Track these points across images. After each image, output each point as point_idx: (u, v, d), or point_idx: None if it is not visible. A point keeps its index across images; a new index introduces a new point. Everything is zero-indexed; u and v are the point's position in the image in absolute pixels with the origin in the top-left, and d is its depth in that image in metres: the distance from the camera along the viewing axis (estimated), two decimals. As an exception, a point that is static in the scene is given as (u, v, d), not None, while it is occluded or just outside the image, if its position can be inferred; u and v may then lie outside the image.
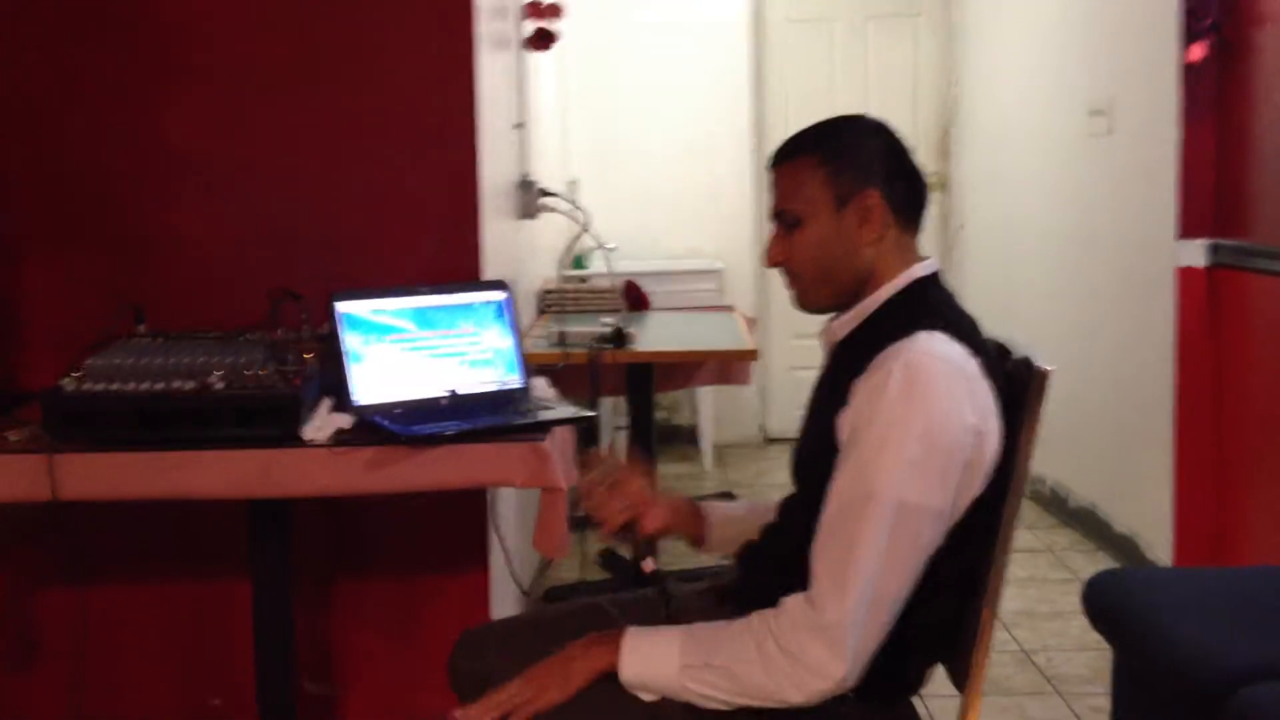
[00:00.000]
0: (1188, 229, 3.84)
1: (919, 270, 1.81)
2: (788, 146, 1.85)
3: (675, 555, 3.05)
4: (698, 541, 2.03)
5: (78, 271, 2.79)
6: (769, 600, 1.68)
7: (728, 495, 5.32)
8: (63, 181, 2.79)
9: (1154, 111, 3.99)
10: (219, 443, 2.19)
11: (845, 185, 1.78)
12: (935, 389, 1.64)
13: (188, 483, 2.19)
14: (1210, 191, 3.81)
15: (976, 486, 1.70)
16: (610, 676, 1.72)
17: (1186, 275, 3.84)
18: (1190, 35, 3.77)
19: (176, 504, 2.37)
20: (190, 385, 2.20)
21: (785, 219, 1.82)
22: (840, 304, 1.85)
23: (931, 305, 1.77)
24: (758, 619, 1.67)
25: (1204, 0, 3.74)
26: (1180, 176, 3.84)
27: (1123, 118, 4.31)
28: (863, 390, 1.67)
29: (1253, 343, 3.67)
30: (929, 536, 1.66)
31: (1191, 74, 3.79)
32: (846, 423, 1.69)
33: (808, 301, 1.86)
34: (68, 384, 2.20)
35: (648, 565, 1.91)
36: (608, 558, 4.47)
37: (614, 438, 5.88)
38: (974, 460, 1.68)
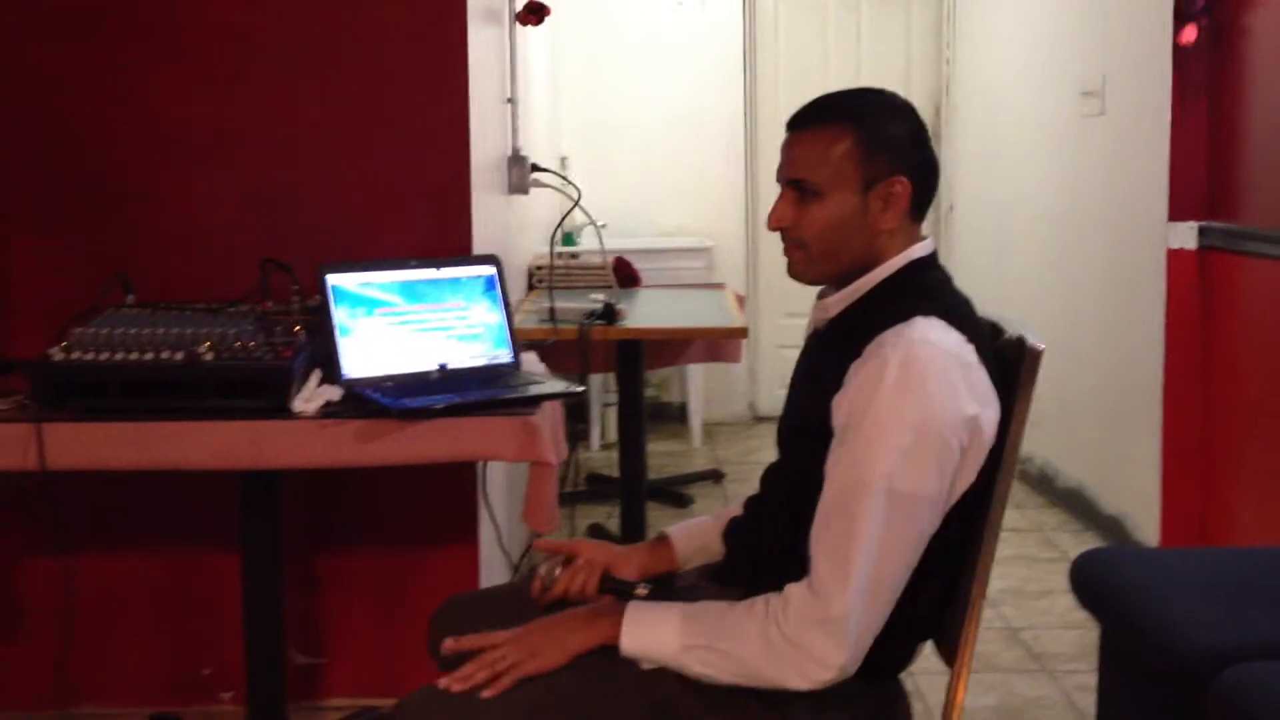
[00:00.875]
0: (1178, 211, 3.84)
1: (917, 251, 1.78)
2: (818, 111, 1.77)
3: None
4: (674, 568, 2.03)
5: (67, 242, 2.78)
6: (755, 573, 1.68)
7: (716, 474, 5.33)
8: (54, 152, 2.77)
9: (1146, 93, 3.99)
10: (207, 414, 2.19)
11: (877, 168, 1.72)
12: (932, 378, 1.62)
13: (176, 454, 2.19)
14: (1201, 174, 3.82)
15: (971, 475, 1.70)
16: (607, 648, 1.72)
17: (1177, 257, 3.85)
18: (1182, 17, 3.77)
19: (165, 474, 2.36)
20: (179, 356, 2.19)
21: (803, 187, 1.75)
22: (836, 280, 1.82)
23: (929, 289, 1.75)
24: (761, 605, 1.66)
25: (1197, -18, 3.74)
26: (1171, 159, 3.85)
27: (1114, 99, 4.31)
28: (859, 376, 1.66)
29: (1242, 325, 3.68)
30: (925, 523, 1.66)
31: (1183, 56, 3.79)
32: (842, 406, 1.67)
33: (804, 272, 1.81)
34: (56, 354, 2.19)
35: (643, 591, 1.91)
36: (597, 535, 4.48)
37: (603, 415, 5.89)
38: (970, 449, 1.67)
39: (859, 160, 1.73)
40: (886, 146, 1.73)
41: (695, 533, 2.04)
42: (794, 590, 1.65)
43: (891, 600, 1.65)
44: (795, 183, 1.76)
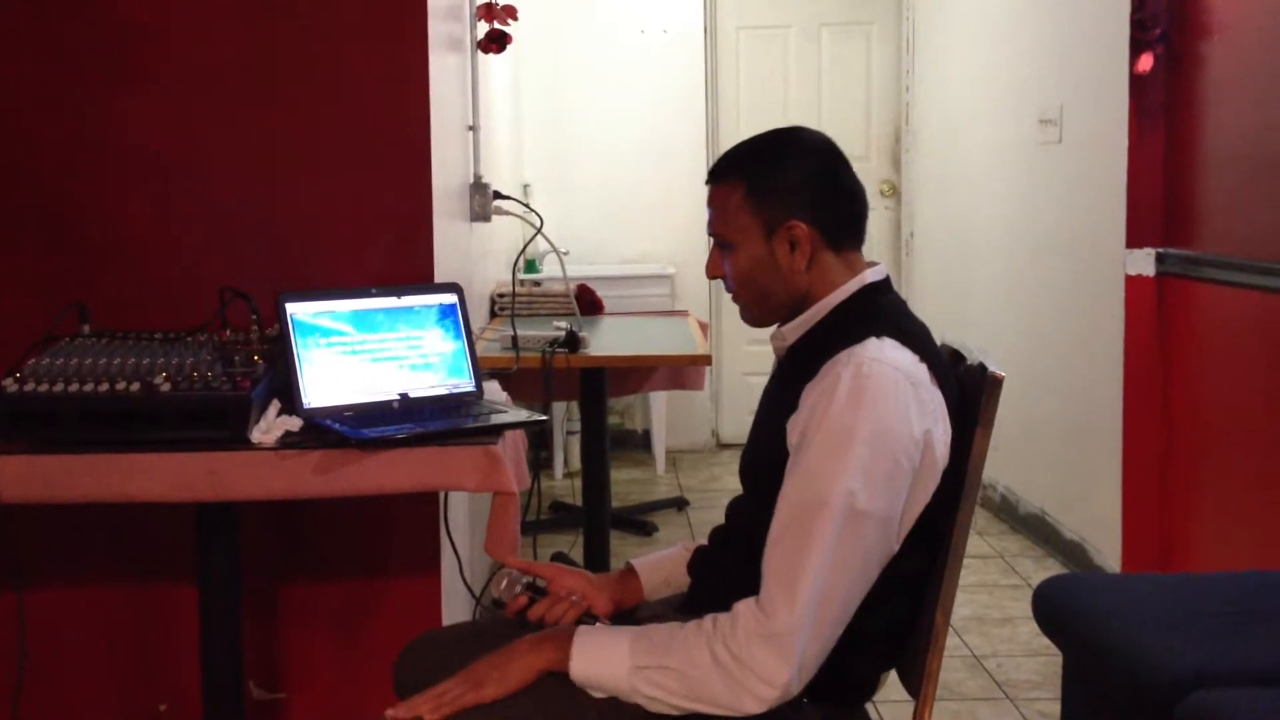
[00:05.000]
0: (1136, 238, 3.88)
1: (869, 276, 1.81)
2: (719, 166, 1.85)
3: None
4: (642, 600, 2.04)
5: (22, 270, 2.74)
6: (720, 603, 1.67)
7: (680, 502, 5.32)
8: (8, 178, 2.74)
9: (1103, 120, 4.03)
10: (165, 445, 2.15)
11: (771, 214, 1.78)
12: (883, 394, 1.64)
13: (132, 485, 2.15)
14: (1158, 201, 3.86)
15: (925, 494, 1.71)
16: (556, 674, 1.70)
17: (1135, 283, 3.88)
18: (1139, 45, 3.81)
19: (121, 506, 2.32)
20: (135, 387, 2.16)
21: (720, 241, 1.84)
22: (781, 319, 1.86)
23: (881, 311, 1.77)
24: (710, 623, 1.66)
25: (1153, 11, 3.78)
26: (1128, 186, 3.88)
27: (1072, 127, 4.35)
28: (812, 395, 1.68)
29: (1200, 351, 3.71)
30: (877, 541, 1.66)
31: (1140, 84, 3.84)
32: (796, 427, 1.69)
33: (748, 317, 1.89)
34: (9, 385, 2.15)
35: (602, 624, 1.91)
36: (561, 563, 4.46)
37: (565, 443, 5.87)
38: (921, 468, 1.68)
39: (752, 210, 1.79)
40: (776, 192, 1.78)
41: (660, 566, 2.04)
42: (741, 607, 1.65)
43: (841, 621, 1.65)
44: (714, 236, 1.85)
